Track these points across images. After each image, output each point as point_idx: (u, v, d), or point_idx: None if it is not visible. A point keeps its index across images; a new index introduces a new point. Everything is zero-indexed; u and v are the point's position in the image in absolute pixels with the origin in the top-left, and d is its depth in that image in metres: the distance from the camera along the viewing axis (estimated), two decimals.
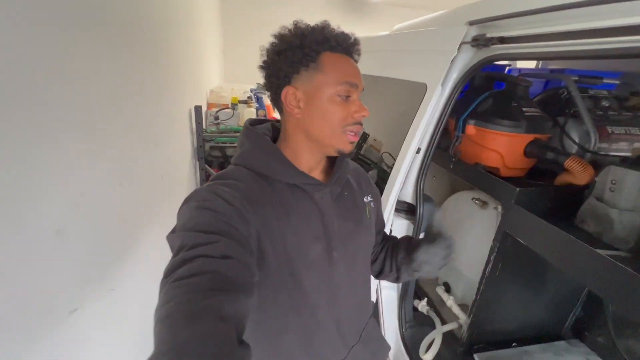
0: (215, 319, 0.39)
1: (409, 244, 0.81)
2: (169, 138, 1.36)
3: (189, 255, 0.45)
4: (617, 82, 1.37)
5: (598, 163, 1.09)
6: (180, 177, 1.62)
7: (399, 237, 0.89)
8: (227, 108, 2.36)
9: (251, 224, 0.54)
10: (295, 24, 0.61)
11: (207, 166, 1.99)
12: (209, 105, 2.52)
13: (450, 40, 1.11)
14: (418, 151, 1.19)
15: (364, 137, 1.66)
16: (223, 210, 0.51)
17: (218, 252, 0.46)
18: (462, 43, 1.07)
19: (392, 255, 0.83)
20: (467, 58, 1.10)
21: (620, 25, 0.67)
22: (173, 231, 0.51)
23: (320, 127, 0.60)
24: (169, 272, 0.44)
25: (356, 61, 0.64)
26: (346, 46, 0.61)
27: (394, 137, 1.36)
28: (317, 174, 0.67)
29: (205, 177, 2.02)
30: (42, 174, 0.60)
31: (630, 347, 1.33)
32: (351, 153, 0.64)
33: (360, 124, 0.62)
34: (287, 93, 0.60)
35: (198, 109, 1.83)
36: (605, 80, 1.34)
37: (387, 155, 1.42)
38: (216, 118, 2.10)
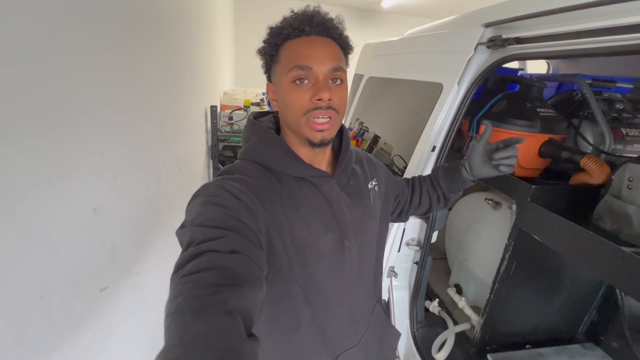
0: (223, 314, 0.39)
1: (447, 169, 0.89)
2: (186, 134, 1.40)
3: (198, 250, 0.45)
4: (631, 86, 1.38)
5: (613, 164, 1.10)
6: (196, 172, 1.65)
7: (411, 234, 0.94)
8: (240, 110, 2.41)
9: (260, 219, 0.54)
10: (283, 18, 0.60)
11: (220, 165, 2.02)
12: (222, 107, 2.57)
13: (466, 41, 1.13)
14: (433, 149, 1.21)
15: (375, 139, 1.68)
16: (231, 205, 0.51)
17: (226, 247, 0.46)
18: (479, 44, 1.10)
19: (432, 187, 0.90)
20: (482, 59, 1.12)
21: (634, 23, 0.69)
22: (182, 226, 0.52)
23: (287, 118, 0.60)
24: (179, 267, 0.45)
25: (333, 37, 0.60)
26: (301, 28, 0.57)
27: (407, 139, 1.38)
28: (324, 166, 0.67)
29: None
30: (81, 155, 0.63)
31: None
32: (322, 143, 0.60)
33: (328, 108, 0.57)
34: (268, 89, 0.64)
35: (214, 108, 1.88)
36: (620, 85, 1.35)
37: (397, 158, 1.43)
38: (230, 118, 2.14)
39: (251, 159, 0.62)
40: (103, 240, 0.68)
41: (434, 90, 1.25)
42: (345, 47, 0.63)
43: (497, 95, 1.28)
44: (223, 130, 2.04)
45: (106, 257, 0.69)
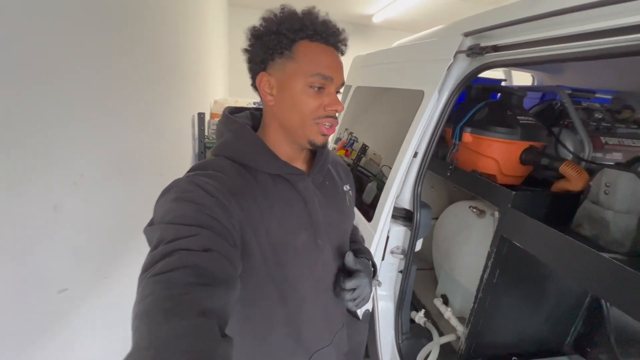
0: (196, 314, 0.38)
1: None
2: (170, 139, 1.39)
3: (168, 249, 0.43)
4: (611, 97, 1.40)
5: (593, 172, 1.10)
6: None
7: (395, 243, 0.87)
8: None
9: (234, 216, 0.52)
10: (282, 8, 0.59)
11: None
12: (212, 115, 2.57)
13: (446, 49, 1.15)
14: (415, 155, 1.21)
15: (364, 149, 1.68)
16: (204, 201, 0.49)
17: (199, 245, 0.45)
18: (458, 52, 1.11)
19: None
20: (462, 67, 1.14)
21: (605, 28, 0.70)
22: (151, 224, 0.50)
23: (290, 117, 0.59)
24: (147, 267, 0.43)
25: (342, 52, 0.62)
26: (325, 36, 0.58)
27: (393, 149, 1.38)
28: (299, 164, 0.67)
29: None
30: (45, 150, 0.61)
31: None
32: (324, 145, 0.62)
33: (335, 118, 0.60)
34: (262, 79, 0.60)
35: (201, 115, 1.87)
36: (599, 95, 1.38)
37: (386, 168, 1.43)
38: None
39: (225, 155, 0.60)
40: (64, 239, 0.66)
41: (417, 98, 1.26)
42: None
43: (479, 104, 1.29)
44: (211, 138, 2.04)
45: (68, 258, 0.66)
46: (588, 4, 0.71)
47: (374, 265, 0.80)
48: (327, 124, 0.59)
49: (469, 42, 1.11)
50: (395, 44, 1.98)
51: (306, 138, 0.60)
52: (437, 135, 1.23)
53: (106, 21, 0.81)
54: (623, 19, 0.66)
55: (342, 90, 0.62)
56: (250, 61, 0.62)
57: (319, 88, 0.58)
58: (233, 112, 0.67)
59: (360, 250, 0.81)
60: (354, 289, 0.66)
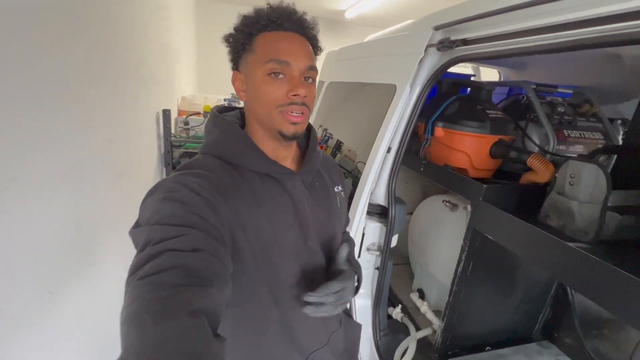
0: (187, 315, 0.37)
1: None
2: (128, 138, 1.28)
3: (156, 250, 0.42)
4: (571, 91, 1.46)
5: (557, 164, 1.14)
6: (143, 180, 1.52)
7: (371, 239, 0.84)
8: (199, 115, 2.30)
9: (222, 215, 0.51)
10: (253, 10, 0.59)
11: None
12: (180, 112, 2.44)
13: (417, 43, 1.14)
14: (389, 150, 1.19)
15: (338, 145, 1.66)
16: (191, 201, 0.48)
17: (187, 245, 0.44)
18: (428, 46, 1.11)
19: None
20: (433, 61, 1.13)
21: (570, 20, 0.71)
22: (137, 225, 0.48)
23: (258, 109, 0.59)
24: (135, 270, 0.41)
25: (308, 37, 0.60)
26: (280, 22, 0.57)
27: (368, 145, 1.36)
28: (288, 163, 0.65)
29: None
30: None
31: (597, 347, 1.35)
32: (295, 136, 0.59)
33: (302, 104, 0.57)
34: (235, 78, 0.61)
35: (166, 112, 1.76)
36: (561, 90, 1.43)
37: (361, 164, 1.41)
38: (186, 123, 2.03)
39: (213, 153, 0.59)
40: None
41: (389, 93, 1.24)
42: (315, 48, 0.63)
43: (450, 98, 1.30)
44: (178, 136, 1.93)
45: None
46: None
47: (359, 280, 0.75)
48: (293, 112, 0.57)
49: (439, 35, 1.11)
50: (368, 38, 1.96)
51: (275, 129, 0.58)
52: (410, 130, 1.22)
53: (42, 10, 0.72)
54: (586, 11, 0.67)
55: (314, 77, 0.60)
56: (230, 61, 0.63)
57: (277, 74, 0.56)
58: (222, 110, 0.66)
59: (350, 262, 0.76)
60: (336, 291, 0.60)
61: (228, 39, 0.61)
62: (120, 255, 1.20)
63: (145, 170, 1.58)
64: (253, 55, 0.57)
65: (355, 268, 0.76)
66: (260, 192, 0.58)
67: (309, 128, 0.71)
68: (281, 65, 0.56)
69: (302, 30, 0.59)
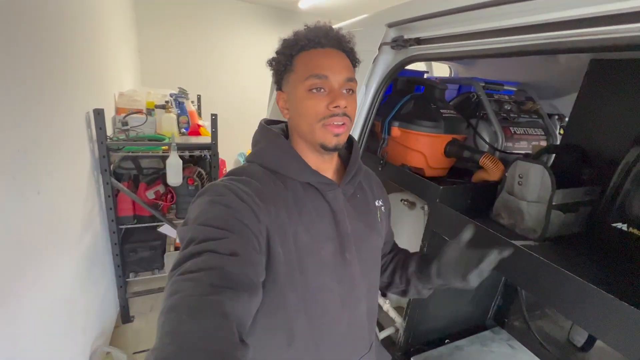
0: (218, 316, 0.40)
1: (422, 258, 0.78)
2: (48, 146, 1.09)
3: (197, 249, 0.46)
4: (514, 89, 1.53)
5: (505, 160, 1.18)
6: (72, 192, 1.33)
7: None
8: (141, 113, 2.07)
9: (262, 222, 0.54)
10: (294, 31, 0.63)
11: (113, 179, 1.69)
12: (118, 110, 2.19)
13: (370, 41, 1.10)
14: None
15: None
16: (235, 206, 0.52)
17: (226, 249, 0.47)
18: (382, 44, 1.07)
19: (402, 267, 0.80)
20: (388, 59, 1.11)
21: (520, 24, 0.71)
22: (185, 223, 0.52)
23: (301, 125, 0.61)
24: (177, 265, 0.45)
25: (344, 50, 0.63)
26: (317, 40, 0.60)
27: None
28: (330, 174, 0.67)
29: (112, 192, 1.72)
30: None
31: (541, 327, 1.47)
32: (337, 147, 0.61)
33: (344, 115, 0.59)
34: (279, 98, 0.65)
35: (99, 112, 1.55)
36: (507, 87, 1.49)
37: None
38: (124, 124, 1.82)
39: (258, 162, 0.63)
40: None
41: None
42: (354, 61, 0.65)
43: (405, 97, 1.29)
44: (115, 139, 1.72)
45: None
46: (494, 2, 0.71)
47: None
48: (335, 122, 0.59)
49: (393, 33, 1.08)
50: None
51: (317, 142, 0.60)
52: (367, 129, 1.19)
53: None
54: (536, 16, 0.67)
55: (354, 89, 0.62)
56: (274, 84, 0.67)
57: (318, 89, 0.58)
58: (269, 123, 0.70)
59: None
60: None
61: (272, 62, 0.65)
62: (45, 276, 1.04)
63: (75, 180, 1.38)
64: (294, 74, 0.61)
65: None
66: (302, 201, 0.60)
67: (351, 140, 0.72)
68: (320, 80, 0.58)
69: (339, 45, 0.62)
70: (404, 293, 0.80)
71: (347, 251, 0.63)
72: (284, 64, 0.62)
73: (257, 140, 0.67)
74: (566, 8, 0.62)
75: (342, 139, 0.61)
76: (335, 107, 0.58)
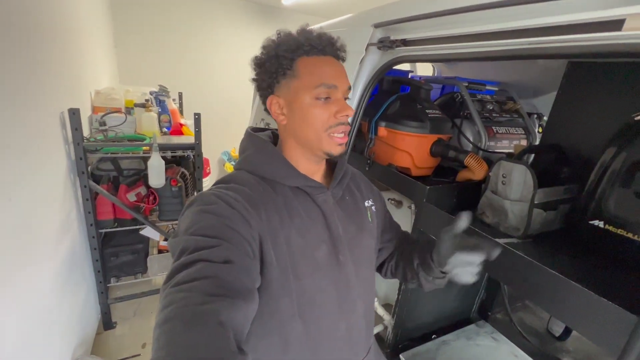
0: (214, 325, 0.39)
1: (422, 250, 0.73)
2: (19, 149, 1.03)
3: (190, 259, 0.45)
4: (496, 88, 1.57)
5: (488, 159, 1.21)
6: (47, 197, 1.26)
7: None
8: (119, 112, 1.99)
9: (254, 227, 0.54)
10: (277, 34, 0.62)
11: (92, 182, 1.62)
12: (95, 109, 2.10)
13: (357, 41, 1.10)
14: None
15: None
16: (226, 214, 0.51)
17: (219, 257, 0.46)
18: (369, 44, 1.07)
19: (409, 262, 0.75)
20: (375, 60, 1.11)
21: (503, 29, 0.72)
22: (175, 235, 0.52)
23: (305, 132, 0.61)
24: (170, 277, 0.45)
25: (342, 59, 0.64)
26: (322, 47, 0.60)
27: None
28: (318, 178, 0.68)
29: (91, 195, 1.65)
30: None
31: (522, 318, 1.52)
32: (342, 154, 0.64)
33: (347, 124, 0.61)
34: (271, 102, 0.63)
35: (74, 112, 1.48)
36: (488, 87, 1.53)
37: None
38: (102, 124, 1.74)
39: (247, 169, 0.64)
40: None
41: None
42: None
43: (391, 97, 1.30)
44: (92, 139, 1.64)
45: None
46: (477, 6, 0.72)
47: None
48: (340, 132, 0.61)
49: (379, 34, 1.08)
50: None
51: (322, 150, 0.61)
52: (355, 129, 1.19)
53: None
54: (520, 22, 0.68)
55: (349, 95, 0.64)
56: (259, 88, 0.65)
57: (326, 98, 0.59)
58: (256, 131, 0.70)
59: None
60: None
61: (264, 63, 0.62)
62: (21, 285, 0.99)
63: (50, 184, 1.31)
64: (297, 81, 0.60)
65: None
66: (293, 205, 0.61)
67: None
68: (330, 89, 0.59)
69: (339, 54, 0.64)
70: (421, 286, 0.76)
71: (340, 253, 0.63)
72: (283, 67, 0.60)
73: (244, 148, 0.67)
74: (545, 15, 0.64)
75: (345, 147, 0.64)
76: (344, 116, 0.60)
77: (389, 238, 0.82)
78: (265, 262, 0.55)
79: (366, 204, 0.74)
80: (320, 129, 0.60)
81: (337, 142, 0.61)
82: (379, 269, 0.85)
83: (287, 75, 0.61)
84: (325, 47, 0.60)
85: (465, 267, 0.62)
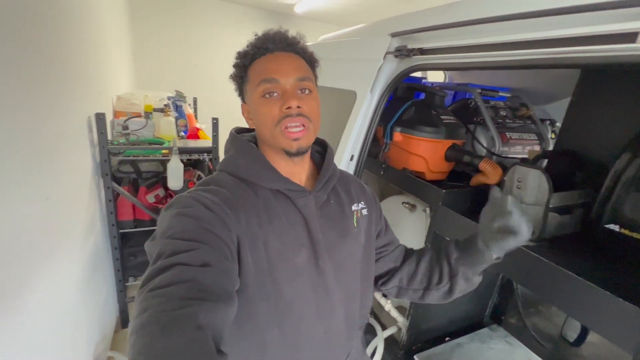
0: (192, 329, 0.38)
1: (458, 244, 0.71)
2: (55, 152, 1.09)
3: (167, 263, 0.44)
4: (508, 95, 1.59)
5: (503, 165, 1.23)
6: (76, 197, 1.33)
7: None
8: (139, 117, 2.07)
9: (232, 230, 0.53)
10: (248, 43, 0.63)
11: (114, 183, 1.69)
12: (116, 114, 2.17)
13: (376, 50, 1.14)
14: (352, 158, 1.19)
15: None
16: (204, 216, 0.51)
17: (197, 260, 0.45)
18: (387, 53, 1.11)
19: (439, 263, 0.72)
20: (392, 67, 1.15)
21: (517, 40, 0.75)
22: (152, 238, 0.51)
23: (263, 132, 0.61)
24: (146, 281, 0.43)
25: (296, 52, 0.62)
26: (266, 46, 0.60)
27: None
28: (302, 179, 0.66)
29: (113, 196, 1.71)
30: None
31: (536, 323, 1.53)
32: (299, 151, 0.60)
33: (299, 115, 0.57)
34: (243, 109, 0.66)
35: (100, 116, 1.55)
36: (501, 94, 1.55)
37: None
38: (125, 128, 1.81)
39: (227, 170, 0.63)
40: None
41: (349, 99, 1.23)
42: (310, 61, 0.65)
43: (406, 103, 1.33)
44: (115, 143, 1.71)
45: None
46: (492, 18, 0.75)
47: None
48: (291, 126, 0.58)
49: (396, 42, 1.12)
50: (321, 38, 1.93)
51: (279, 147, 0.60)
52: (371, 136, 1.23)
53: None
54: (533, 33, 0.71)
55: (310, 88, 0.61)
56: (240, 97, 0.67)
57: (270, 93, 0.58)
58: (240, 131, 0.69)
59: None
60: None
61: (232, 76, 0.65)
62: (52, 282, 1.04)
63: (79, 185, 1.38)
64: (249, 84, 0.61)
65: None
66: (273, 208, 0.59)
67: (325, 145, 0.72)
68: (271, 84, 0.58)
69: (289, 47, 0.62)
70: (450, 292, 0.71)
71: (320, 259, 0.61)
72: (240, 75, 0.63)
73: (227, 149, 0.66)
74: (561, 27, 0.67)
75: (305, 142, 0.59)
76: (288, 107, 0.56)
77: (385, 243, 0.77)
78: (242, 265, 0.54)
79: (354, 207, 0.70)
80: (271, 125, 0.58)
81: (291, 137, 0.58)
82: (382, 284, 0.78)
83: (244, 81, 0.63)
84: (268, 44, 0.60)
85: (523, 217, 0.63)
